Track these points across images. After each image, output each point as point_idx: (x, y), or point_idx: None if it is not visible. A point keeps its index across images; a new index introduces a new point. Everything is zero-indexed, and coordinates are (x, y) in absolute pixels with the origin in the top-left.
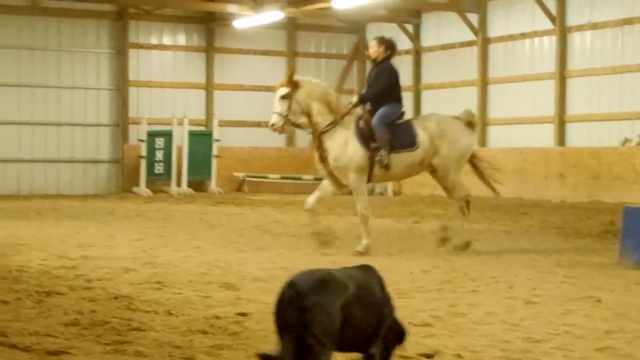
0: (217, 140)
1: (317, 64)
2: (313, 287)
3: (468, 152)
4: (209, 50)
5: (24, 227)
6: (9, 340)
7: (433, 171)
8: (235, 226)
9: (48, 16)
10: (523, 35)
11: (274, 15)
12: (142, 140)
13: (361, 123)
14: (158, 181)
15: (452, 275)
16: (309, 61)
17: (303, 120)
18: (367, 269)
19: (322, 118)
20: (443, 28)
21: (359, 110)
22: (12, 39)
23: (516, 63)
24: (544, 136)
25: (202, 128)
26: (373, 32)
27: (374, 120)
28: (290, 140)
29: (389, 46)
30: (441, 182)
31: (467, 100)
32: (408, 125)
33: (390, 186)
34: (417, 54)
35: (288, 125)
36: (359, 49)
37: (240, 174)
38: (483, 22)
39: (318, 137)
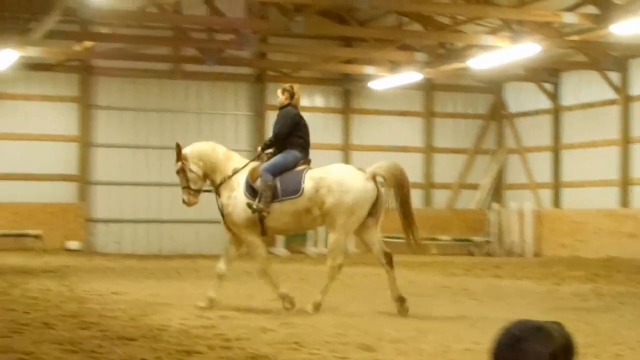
0: None
1: (455, 124)
2: (527, 333)
3: (358, 207)
4: (346, 111)
5: (165, 287)
6: None
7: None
8: (371, 287)
9: (189, 80)
10: None
11: (411, 76)
12: None
13: (249, 173)
14: (295, 242)
15: (595, 338)
16: (446, 121)
17: (207, 183)
18: (559, 325)
19: (216, 175)
20: (583, 87)
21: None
22: (155, 102)
23: None
24: None
25: None
26: (511, 91)
27: (261, 167)
28: (427, 201)
29: (290, 94)
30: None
31: (608, 160)
32: (298, 173)
33: (529, 247)
34: (556, 113)
35: (197, 194)
36: (497, 108)
37: None
38: (625, 80)
39: (216, 194)
